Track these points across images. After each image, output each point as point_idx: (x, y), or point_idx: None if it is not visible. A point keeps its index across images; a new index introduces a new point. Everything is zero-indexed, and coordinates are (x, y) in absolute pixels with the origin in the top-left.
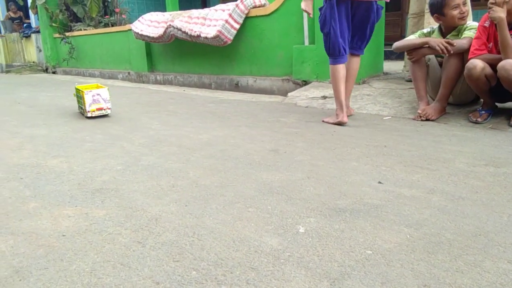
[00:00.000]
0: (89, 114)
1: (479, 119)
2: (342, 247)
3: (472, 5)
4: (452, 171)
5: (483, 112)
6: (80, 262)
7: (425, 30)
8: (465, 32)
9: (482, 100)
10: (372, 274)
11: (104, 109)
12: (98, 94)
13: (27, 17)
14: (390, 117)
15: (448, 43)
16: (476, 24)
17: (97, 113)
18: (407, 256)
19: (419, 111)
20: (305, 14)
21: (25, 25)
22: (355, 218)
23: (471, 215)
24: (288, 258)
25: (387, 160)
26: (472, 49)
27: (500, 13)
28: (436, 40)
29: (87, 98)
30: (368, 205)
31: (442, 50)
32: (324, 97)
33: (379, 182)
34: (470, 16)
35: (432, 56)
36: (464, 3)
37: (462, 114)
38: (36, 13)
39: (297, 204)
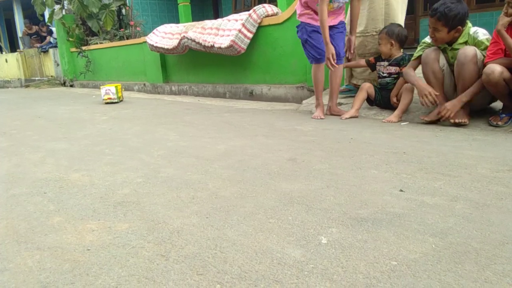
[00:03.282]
0: (103, 101)
1: (499, 123)
2: (366, 258)
3: (487, 6)
4: (475, 177)
5: (504, 115)
6: (105, 276)
7: (428, 40)
8: (477, 44)
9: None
10: (398, 286)
11: (112, 99)
12: (109, 89)
13: (50, 33)
14: (407, 123)
15: (433, 96)
16: (483, 36)
17: (108, 101)
18: (434, 266)
19: (441, 112)
20: None
21: (50, 43)
22: (377, 228)
23: (497, 223)
24: (312, 270)
25: (407, 167)
26: (488, 53)
27: (499, 25)
28: (424, 91)
29: (102, 91)
30: (390, 214)
31: (426, 104)
32: (339, 104)
33: (401, 190)
34: None
35: (446, 64)
36: (436, 30)
37: (481, 118)
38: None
39: (318, 214)
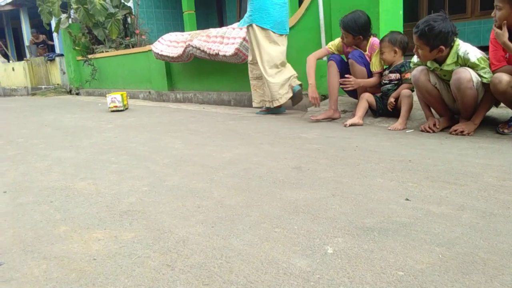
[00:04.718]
0: (109, 110)
1: (505, 130)
2: (373, 268)
3: (484, 13)
4: (482, 186)
5: None
6: (111, 286)
7: (415, 59)
8: (470, 66)
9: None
10: None
11: (118, 107)
12: (114, 97)
13: (51, 39)
14: (412, 130)
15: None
16: (475, 58)
17: (114, 109)
18: (441, 277)
19: (455, 128)
20: (322, 29)
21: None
22: (384, 238)
23: (505, 233)
24: (318, 280)
25: (413, 176)
26: (493, 60)
27: (502, 37)
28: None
29: (108, 99)
30: (396, 224)
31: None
32: (344, 111)
33: (407, 199)
34: None
35: (437, 81)
36: (419, 47)
37: (487, 126)
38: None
39: (324, 224)
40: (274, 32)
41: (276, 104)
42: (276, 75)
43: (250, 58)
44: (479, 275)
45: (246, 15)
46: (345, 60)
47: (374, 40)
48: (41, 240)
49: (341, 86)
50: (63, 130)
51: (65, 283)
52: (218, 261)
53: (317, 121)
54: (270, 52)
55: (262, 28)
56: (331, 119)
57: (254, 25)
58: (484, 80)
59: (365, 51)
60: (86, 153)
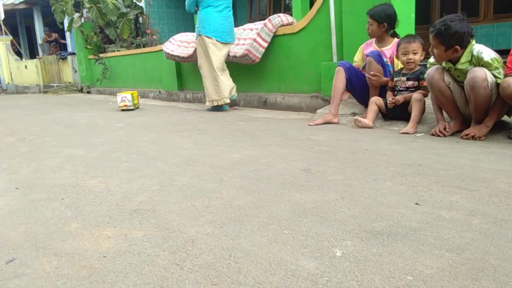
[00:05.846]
0: (120, 108)
1: None
2: (382, 272)
3: (505, 16)
4: (493, 191)
5: None
6: (121, 284)
7: (432, 60)
8: (483, 65)
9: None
10: None
11: (128, 106)
12: (125, 97)
13: (63, 37)
14: (423, 134)
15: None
16: (488, 57)
17: (124, 108)
18: (450, 282)
19: (466, 132)
20: (333, 31)
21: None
22: (393, 242)
23: None
24: (326, 283)
25: (423, 180)
26: (508, 64)
27: None
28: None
29: (118, 98)
30: (406, 228)
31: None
32: (354, 114)
33: (416, 203)
34: None
35: (451, 81)
36: (434, 46)
37: (499, 131)
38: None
39: (333, 226)
40: (217, 41)
41: (226, 101)
42: (223, 77)
43: (200, 64)
44: (489, 281)
45: (196, 26)
46: (355, 67)
47: (398, 41)
48: (52, 237)
49: (367, 79)
50: (75, 128)
51: (76, 279)
52: (226, 261)
53: (316, 125)
54: (217, 57)
55: (208, 37)
56: (330, 123)
57: (202, 36)
58: (498, 81)
59: (387, 46)
60: (97, 151)
